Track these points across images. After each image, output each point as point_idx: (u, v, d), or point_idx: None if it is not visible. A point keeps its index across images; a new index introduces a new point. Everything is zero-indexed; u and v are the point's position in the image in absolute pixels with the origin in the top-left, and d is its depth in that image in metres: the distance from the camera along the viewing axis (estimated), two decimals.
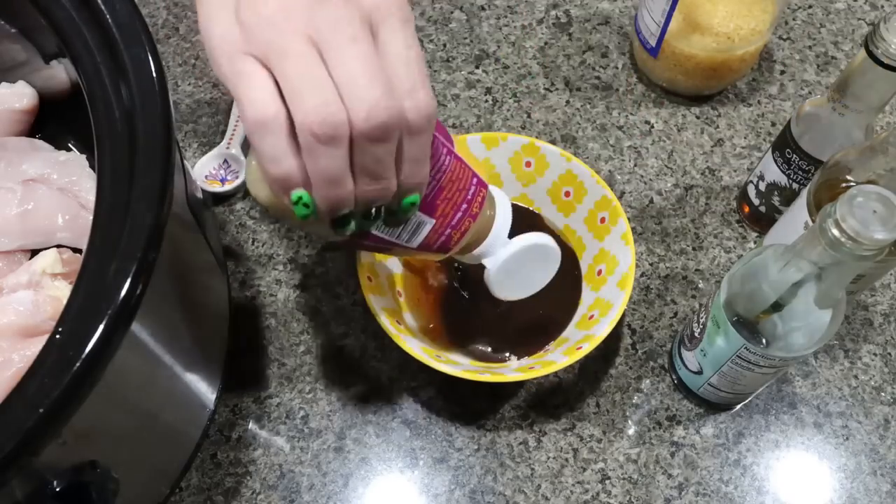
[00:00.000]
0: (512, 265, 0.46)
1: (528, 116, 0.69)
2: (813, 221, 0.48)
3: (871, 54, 0.44)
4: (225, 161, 0.66)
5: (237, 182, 0.65)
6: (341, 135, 0.31)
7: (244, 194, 0.65)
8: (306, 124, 0.30)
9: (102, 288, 0.35)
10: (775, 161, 0.56)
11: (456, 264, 0.57)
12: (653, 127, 0.69)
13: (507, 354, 0.55)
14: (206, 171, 0.66)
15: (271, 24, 0.31)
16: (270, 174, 0.33)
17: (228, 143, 0.67)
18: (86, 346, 0.34)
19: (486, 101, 0.70)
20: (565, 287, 0.57)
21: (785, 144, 0.54)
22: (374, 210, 0.36)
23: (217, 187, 0.64)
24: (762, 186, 0.59)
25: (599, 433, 0.55)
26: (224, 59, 0.32)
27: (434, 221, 0.41)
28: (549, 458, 0.54)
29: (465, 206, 0.42)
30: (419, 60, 0.32)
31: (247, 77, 0.31)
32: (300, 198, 0.33)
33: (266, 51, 0.31)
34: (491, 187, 0.45)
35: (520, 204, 0.61)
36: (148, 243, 0.36)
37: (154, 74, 0.40)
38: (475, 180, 0.42)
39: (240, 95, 0.31)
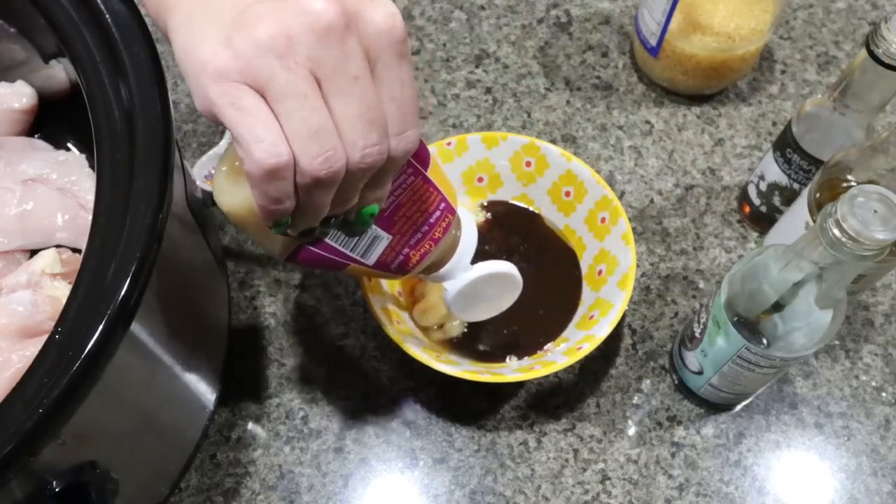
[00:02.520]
0: (471, 290, 0.46)
1: (528, 116, 0.69)
2: (814, 221, 0.48)
3: (871, 54, 0.44)
4: None
5: None
6: (340, 177, 0.31)
7: None
8: (311, 171, 0.30)
9: (102, 288, 0.35)
10: (776, 161, 0.56)
11: None
12: (653, 127, 0.68)
13: (507, 354, 0.55)
14: (205, 170, 0.66)
15: (270, 52, 0.28)
16: (268, 211, 0.31)
17: (228, 143, 0.66)
18: (85, 346, 0.34)
19: (486, 100, 0.70)
20: (565, 287, 0.57)
21: (786, 144, 0.54)
22: (332, 219, 0.36)
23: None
24: (763, 186, 0.59)
25: (600, 433, 0.55)
26: (214, 86, 0.29)
27: (391, 238, 0.40)
28: (549, 458, 0.54)
29: (426, 227, 0.41)
30: (412, 100, 0.32)
31: (249, 114, 0.29)
32: (286, 222, 0.33)
33: (264, 83, 0.29)
34: (459, 209, 0.44)
35: (520, 204, 0.61)
36: (148, 243, 0.36)
37: (154, 74, 0.40)
38: (442, 205, 0.41)
39: (242, 134, 0.29)
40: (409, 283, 0.57)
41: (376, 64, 0.30)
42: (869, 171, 0.46)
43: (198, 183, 0.63)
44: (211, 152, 0.66)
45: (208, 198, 0.65)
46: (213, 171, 0.65)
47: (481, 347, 0.55)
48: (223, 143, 0.66)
